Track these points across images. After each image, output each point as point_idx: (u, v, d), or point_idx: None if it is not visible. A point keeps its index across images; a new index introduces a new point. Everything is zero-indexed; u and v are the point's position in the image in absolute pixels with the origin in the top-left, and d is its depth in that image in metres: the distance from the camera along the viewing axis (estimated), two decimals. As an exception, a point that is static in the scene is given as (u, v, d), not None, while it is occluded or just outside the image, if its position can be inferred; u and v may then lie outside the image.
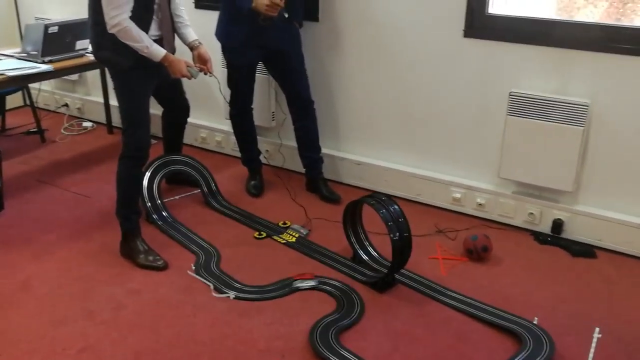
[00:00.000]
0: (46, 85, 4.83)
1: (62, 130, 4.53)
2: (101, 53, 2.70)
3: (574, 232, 3.00)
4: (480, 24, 3.00)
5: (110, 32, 2.53)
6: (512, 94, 2.94)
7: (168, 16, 2.77)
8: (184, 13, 2.94)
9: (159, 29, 2.73)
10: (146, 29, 2.63)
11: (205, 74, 2.93)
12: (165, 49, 2.70)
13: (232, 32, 3.17)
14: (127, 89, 2.71)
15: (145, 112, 2.75)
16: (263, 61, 3.33)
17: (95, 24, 2.61)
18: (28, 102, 4.50)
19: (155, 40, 2.65)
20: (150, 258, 2.77)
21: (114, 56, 2.64)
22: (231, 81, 3.32)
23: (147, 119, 2.76)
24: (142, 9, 2.59)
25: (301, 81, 3.34)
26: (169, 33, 2.80)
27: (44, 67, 3.42)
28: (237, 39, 3.16)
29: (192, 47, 2.94)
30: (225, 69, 3.35)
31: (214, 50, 3.14)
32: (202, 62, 2.93)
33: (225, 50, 3.27)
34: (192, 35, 2.95)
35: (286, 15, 3.11)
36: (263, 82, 3.61)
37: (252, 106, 3.44)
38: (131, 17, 2.54)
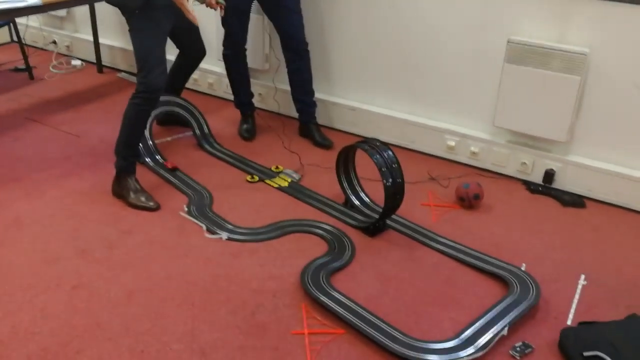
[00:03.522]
0: (34, 21, 4.70)
1: (51, 68, 4.44)
2: None
3: (565, 182, 3.03)
4: (482, -32, 2.93)
5: None
6: (510, 41, 2.90)
7: None
8: None
9: None
10: None
11: (208, 6, 2.86)
12: None
13: None
14: (140, 30, 2.67)
15: (159, 54, 2.71)
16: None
17: None
18: (15, 38, 4.38)
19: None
20: (143, 198, 2.77)
21: None
22: (225, 20, 3.25)
23: (162, 61, 2.72)
24: None
25: (296, 21, 3.26)
26: None
27: (31, 1, 3.30)
28: None
29: None
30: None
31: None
32: None
33: None
34: None
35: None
36: (257, 23, 3.53)
37: (245, 47, 3.38)
38: None
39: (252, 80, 3.57)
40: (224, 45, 3.35)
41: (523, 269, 2.41)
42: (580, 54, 2.76)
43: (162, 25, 2.72)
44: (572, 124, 2.92)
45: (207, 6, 2.87)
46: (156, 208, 2.75)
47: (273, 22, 3.35)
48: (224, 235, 2.58)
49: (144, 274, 2.33)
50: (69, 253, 2.44)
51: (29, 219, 2.65)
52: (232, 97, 3.59)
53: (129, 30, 2.72)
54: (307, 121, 3.51)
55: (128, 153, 2.81)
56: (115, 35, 4.45)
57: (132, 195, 2.77)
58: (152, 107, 2.78)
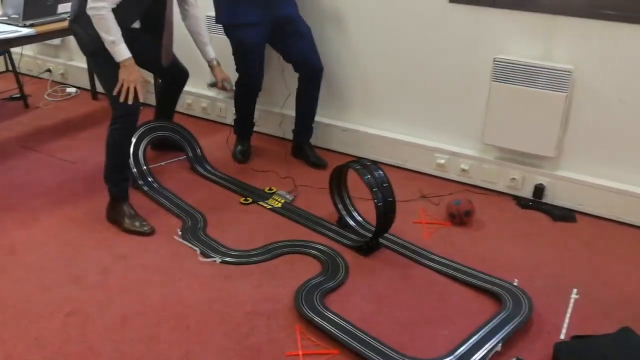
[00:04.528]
0: (28, 50, 4.76)
1: (46, 96, 4.48)
2: (75, 26, 2.68)
3: (555, 197, 3.05)
4: (466, -11, 2.99)
5: (87, 12, 2.52)
6: (496, 60, 2.94)
7: (171, 28, 2.90)
8: (205, 31, 3.14)
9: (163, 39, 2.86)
10: (131, 21, 2.67)
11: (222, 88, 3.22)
12: (162, 57, 2.80)
13: (238, 8, 3.08)
14: (104, 70, 2.71)
15: None
16: (272, 30, 3.19)
17: None
18: (10, 67, 4.43)
19: (138, 33, 2.61)
20: (137, 223, 2.78)
21: (85, 35, 2.62)
22: (243, 63, 3.25)
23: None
24: (133, 5, 2.61)
25: (311, 47, 3.27)
26: (170, 44, 2.91)
27: (25, 31, 3.35)
28: (244, 13, 3.08)
29: (210, 65, 3.18)
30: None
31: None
32: (218, 79, 3.20)
33: (233, 30, 3.17)
34: (210, 53, 3.15)
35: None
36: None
37: (260, 89, 3.39)
38: (119, 6, 2.53)
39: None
40: (236, 85, 3.35)
41: (515, 284, 2.42)
42: (565, 71, 2.80)
43: None
44: (560, 139, 2.96)
45: (217, 89, 3.21)
46: (150, 232, 2.77)
47: (287, 50, 3.28)
48: (218, 258, 2.59)
49: (138, 299, 2.34)
50: (63, 279, 2.44)
51: (23, 246, 2.66)
52: (225, 121, 3.64)
53: (93, 66, 2.73)
54: (302, 142, 3.53)
55: (118, 178, 2.82)
56: (108, 62, 4.49)
57: (126, 220, 2.79)
58: (133, 128, 2.82)
